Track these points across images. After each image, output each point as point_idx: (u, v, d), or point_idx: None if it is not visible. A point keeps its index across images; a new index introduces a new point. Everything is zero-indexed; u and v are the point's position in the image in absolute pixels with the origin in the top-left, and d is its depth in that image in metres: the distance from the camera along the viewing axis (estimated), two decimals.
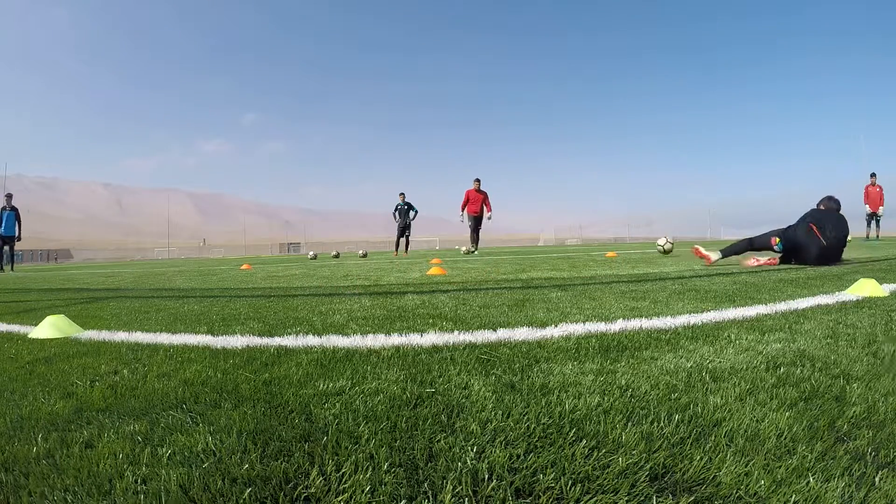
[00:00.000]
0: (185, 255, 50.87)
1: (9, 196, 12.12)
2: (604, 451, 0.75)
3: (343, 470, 0.71)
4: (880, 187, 13.39)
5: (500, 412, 0.91)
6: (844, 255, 4.82)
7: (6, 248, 11.71)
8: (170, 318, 2.31)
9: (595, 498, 0.64)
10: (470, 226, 12.15)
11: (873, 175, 13.41)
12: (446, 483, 0.67)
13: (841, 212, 5.12)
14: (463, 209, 12.12)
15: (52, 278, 7.12)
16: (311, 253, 14.90)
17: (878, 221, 13.52)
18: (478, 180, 12.07)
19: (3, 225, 11.71)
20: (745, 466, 0.70)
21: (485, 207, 12.13)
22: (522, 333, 1.59)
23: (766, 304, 2.07)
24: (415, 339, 1.56)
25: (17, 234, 11.83)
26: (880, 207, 13.39)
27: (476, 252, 11.89)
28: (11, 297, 4.09)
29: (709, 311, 1.96)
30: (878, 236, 13.70)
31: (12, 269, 11.88)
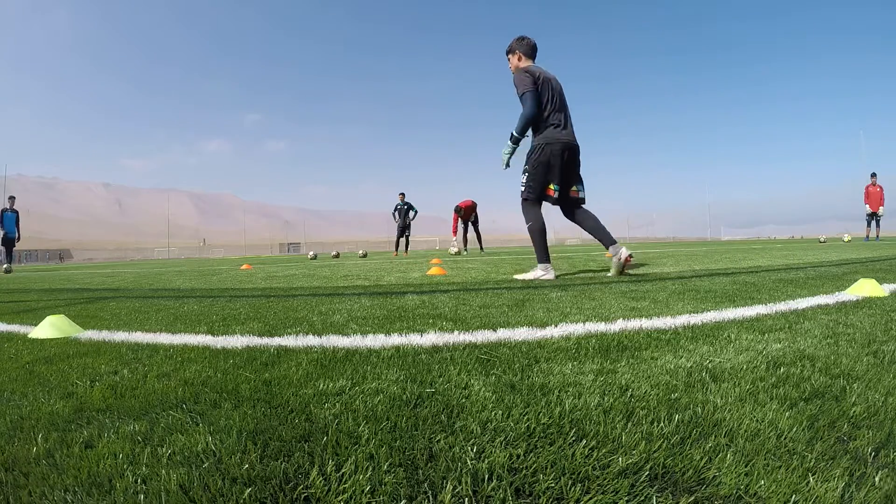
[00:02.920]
0: (185, 255, 50.89)
1: (11, 199, 12.25)
2: (604, 451, 0.75)
3: (343, 470, 0.71)
4: (881, 187, 13.41)
5: (500, 412, 0.91)
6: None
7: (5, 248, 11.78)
8: (170, 318, 2.31)
9: (595, 498, 0.64)
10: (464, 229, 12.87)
11: (874, 175, 13.44)
12: (446, 483, 0.67)
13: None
14: (455, 233, 12.87)
15: (52, 278, 7.12)
16: (311, 253, 14.90)
17: (878, 221, 13.53)
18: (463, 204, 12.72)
19: (5, 226, 11.78)
20: (745, 466, 0.70)
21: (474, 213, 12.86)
22: (522, 333, 1.59)
23: (765, 304, 2.07)
24: (415, 339, 1.56)
25: (17, 235, 11.93)
26: (881, 207, 13.40)
27: (466, 252, 12.50)
28: (11, 297, 4.09)
29: (709, 311, 1.96)
30: (878, 236, 13.71)
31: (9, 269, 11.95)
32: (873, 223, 13.55)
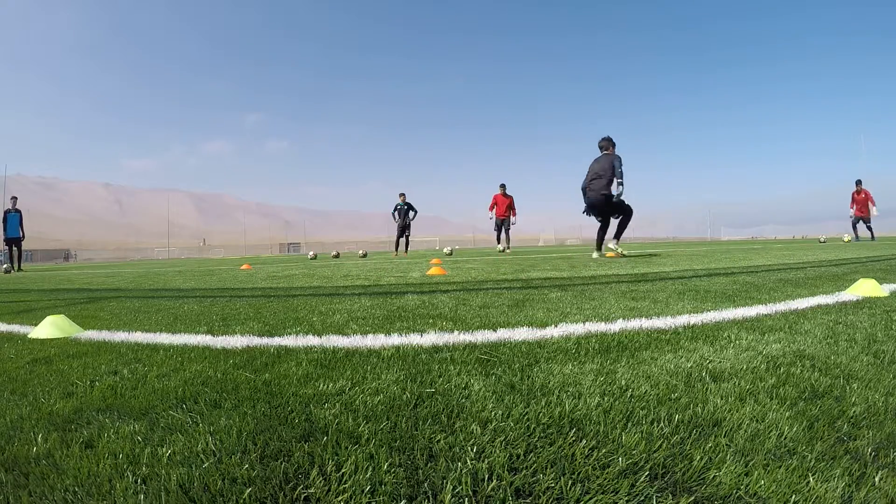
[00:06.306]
0: (185, 256, 50.89)
1: (14, 199, 12.35)
2: (604, 451, 0.75)
3: (343, 470, 0.71)
4: (866, 192, 13.62)
5: (500, 412, 0.91)
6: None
7: (14, 248, 11.84)
8: (170, 318, 2.31)
9: (595, 498, 0.64)
10: (496, 228, 12.83)
11: (858, 182, 13.67)
12: (446, 483, 0.67)
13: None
14: (491, 209, 12.79)
15: (51, 278, 7.12)
16: (311, 253, 14.91)
17: (868, 224, 13.74)
18: (503, 185, 12.76)
19: (9, 227, 11.86)
20: (745, 466, 0.70)
21: (510, 211, 12.74)
22: (522, 333, 1.59)
23: (765, 304, 2.07)
24: (415, 339, 1.56)
25: (21, 234, 12.03)
26: (873, 208, 13.55)
27: (508, 251, 12.38)
28: (11, 297, 4.09)
29: (709, 311, 1.96)
30: (873, 237, 13.85)
31: (20, 268, 11.99)
32: (860, 225, 13.82)
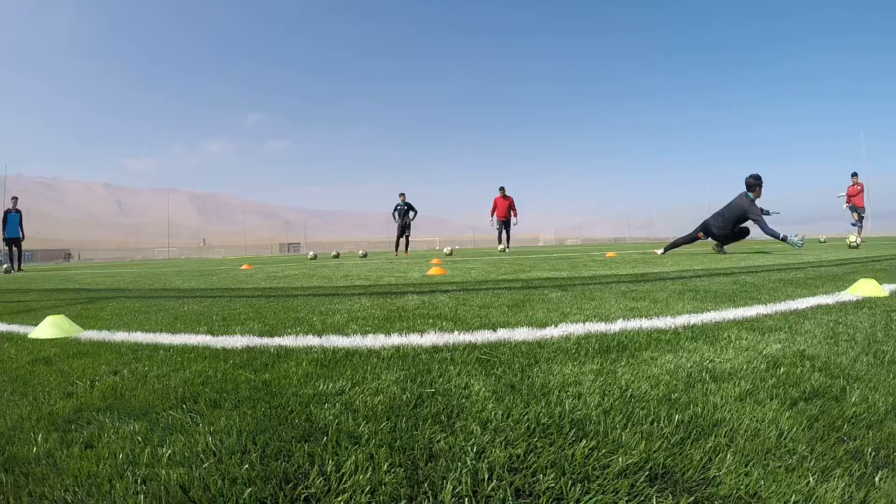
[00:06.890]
0: (185, 256, 50.91)
1: (14, 199, 12.38)
2: (604, 451, 0.75)
3: (343, 470, 0.71)
4: (861, 185, 13.39)
5: (501, 412, 0.91)
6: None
7: (14, 249, 11.84)
8: (170, 318, 2.31)
9: (595, 498, 0.64)
10: (497, 229, 13.39)
11: (854, 175, 13.42)
12: (446, 483, 0.67)
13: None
14: (492, 214, 13.33)
15: (51, 278, 7.11)
16: (311, 253, 14.92)
17: (861, 219, 13.45)
18: (502, 188, 13.30)
19: (9, 227, 11.86)
20: (745, 466, 0.70)
21: (511, 212, 13.30)
22: (522, 333, 1.59)
23: (766, 304, 2.07)
24: (415, 339, 1.56)
25: (21, 235, 12.03)
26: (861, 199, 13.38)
27: (507, 251, 12.79)
28: (11, 297, 4.09)
29: (709, 311, 1.96)
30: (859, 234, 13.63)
31: (20, 268, 11.98)
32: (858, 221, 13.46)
